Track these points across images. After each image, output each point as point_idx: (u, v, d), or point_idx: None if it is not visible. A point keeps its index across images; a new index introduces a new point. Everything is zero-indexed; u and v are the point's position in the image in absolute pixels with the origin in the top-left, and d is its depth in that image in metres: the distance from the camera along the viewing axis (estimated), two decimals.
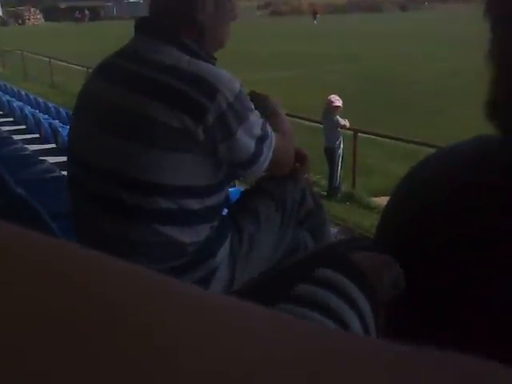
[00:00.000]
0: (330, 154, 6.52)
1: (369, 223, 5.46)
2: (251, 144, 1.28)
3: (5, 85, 12.23)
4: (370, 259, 0.45)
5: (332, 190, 6.46)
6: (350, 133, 6.58)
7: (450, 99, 11.65)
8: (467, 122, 9.03)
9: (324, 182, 6.71)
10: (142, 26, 1.35)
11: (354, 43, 24.91)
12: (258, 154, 1.30)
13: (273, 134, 1.35)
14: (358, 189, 6.42)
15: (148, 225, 1.26)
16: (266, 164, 1.33)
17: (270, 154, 1.33)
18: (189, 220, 1.29)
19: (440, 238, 0.50)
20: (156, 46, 1.29)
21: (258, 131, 1.30)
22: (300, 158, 1.52)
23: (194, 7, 1.30)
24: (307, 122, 8.31)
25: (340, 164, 6.52)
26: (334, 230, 3.77)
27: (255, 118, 1.30)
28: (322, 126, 6.77)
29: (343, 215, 5.59)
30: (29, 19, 65.77)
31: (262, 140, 1.30)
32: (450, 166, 0.54)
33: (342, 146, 6.54)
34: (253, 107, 1.31)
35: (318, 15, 47.98)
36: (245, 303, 0.15)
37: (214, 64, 1.35)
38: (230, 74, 1.29)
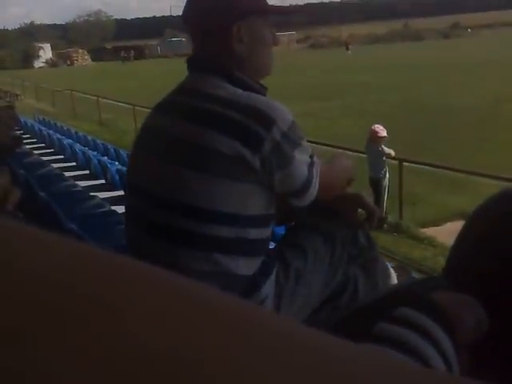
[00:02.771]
0: (376, 184, 6.45)
1: (418, 255, 5.35)
2: (304, 171, 1.31)
3: (55, 123, 12.68)
4: (452, 299, 0.44)
5: (378, 221, 6.36)
6: (395, 162, 6.52)
7: (496, 126, 11.43)
8: None
9: None
10: (192, 63, 1.41)
11: (395, 72, 24.85)
12: (310, 179, 1.33)
13: (317, 159, 1.38)
14: (406, 219, 6.31)
15: (205, 253, 1.28)
16: (316, 190, 1.35)
17: (318, 179, 1.35)
18: (245, 250, 1.30)
19: None
20: (209, 81, 1.33)
21: (308, 157, 1.33)
22: (370, 214, 1.51)
23: (230, 38, 1.33)
24: (349, 152, 8.28)
25: (386, 194, 6.45)
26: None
27: (306, 145, 1.34)
28: (364, 155, 6.72)
29: (391, 246, 5.50)
30: (77, 60, 68.38)
31: (311, 165, 1.33)
32: None
33: (387, 175, 6.47)
34: (303, 136, 1.34)
35: (350, 46, 49.43)
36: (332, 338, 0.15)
37: (265, 92, 1.39)
38: (283, 106, 1.32)
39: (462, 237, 0.59)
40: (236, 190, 1.26)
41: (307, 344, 0.15)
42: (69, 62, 67.07)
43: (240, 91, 1.31)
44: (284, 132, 1.26)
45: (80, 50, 72.43)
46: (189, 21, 1.40)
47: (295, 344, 0.15)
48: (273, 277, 1.37)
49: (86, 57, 70.43)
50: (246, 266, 1.31)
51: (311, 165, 1.33)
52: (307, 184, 1.33)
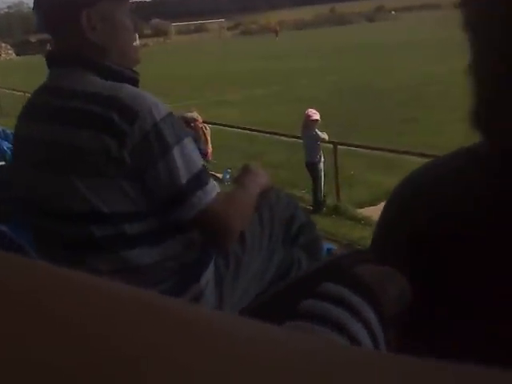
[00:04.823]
0: (312, 168, 6.55)
1: (357, 234, 5.49)
2: (179, 176, 1.21)
3: None
4: (374, 272, 0.44)
5: (317, 204, 6.49)
6: (330, 146, 6.63)
7: (425, 106, 11.80)
8: (444, 127, 9.20)
9: (308, 197, 6.74)
10: (51, 59, 1.35)
11: (324, 57, 25.17)
12: (186, 191, 1.22)
13: (215, 185, 1.28)
14: (343, 201, 6.45)
15: (110, 253, 1.24)
16: (197, 209, 1.23)
17: (206, 202, 1.23)
18: (146, 241, 1.26)
19: (453, 244, 0.51)
20: (72, 75, 1.29)
21: (192, 168, 1.23)
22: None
23: (82, 27, 1.27)
24: (285, 138, 8.35)
25: (323, 178, 6.56)
26: (327, 244, 3.80)
27: (188, 150, 1.24)
28: (301, 141, 6.81)
29: (330, 228, 5.61)
30: (0, 55, 65.42)
31: (197, 181, 1.23)
32: (454, 170, 0.55)
33: (322, 159, 6.58)
34: (185, 135, 1.26)
35: (279, 32, 51.53)
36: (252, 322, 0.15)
37: (137, 79, 1.33)
38: (154, 98, 1.24)
39: (383, 213, 0.62)
40: (109, 188, 1.20)
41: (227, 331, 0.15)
42: None
43: (105, 83, 1.25)
44: (151, 126, 1.19)
45: (3, 45, 69.29)
46: (40, 11, 1.33)
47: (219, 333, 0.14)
48: (211, 267, 1.35)
49: (9, 51, 67.46)
50: (152, 256, 1.27)
51: (197, 179, 1.23)
52: (181, 194, 1.22)
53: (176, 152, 1.21)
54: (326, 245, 3.65)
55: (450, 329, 0.51)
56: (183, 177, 1.21)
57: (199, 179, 1.23)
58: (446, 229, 0.52)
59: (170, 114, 1.23)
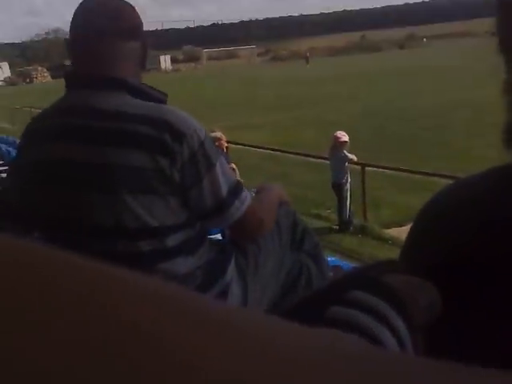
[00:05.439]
0: (338, 189, 6.56)
1: (383, 254, 5.44)
2: (221, 190, 1.32)
3: (14, 141, 12.44)
4: (403, 281, 0.43)
5: (343, 224, 6.47)
6: (357, 168, 6.63)
7: (454, 132, 11.72)
8: (473, 152, 9.11)
9: (334, 217, 6.72)
10: (75, 80, 1.37)
11: (354, 83, 25.26)
12: (227, 203, 1.33)
13: (248, 193, 1.39)
14: (370, 221, 6.41)
15: (149, 267, 1.28)
16: (235, 218, 1.35)
17: (243, 210, 1.35)
18: (183, 251, 1.33)
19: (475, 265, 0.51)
20: (102, 95, 1.31)
21: (230, 181, 1.34)
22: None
23: (110, 52, 1.33)
24: (312, 159, 8.37)
25: (349, 198, 6.55)
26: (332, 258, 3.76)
27: (225, 166, 1.35)
28: (327, 161, 6.83)
29: (357, 248, 5.58)
30: (36, 78, 67.36)
31: (234, 192, 1.34)
32: (475, 196, 0.55)
33: (349, 180, 6.58)
34: (219, 152, 1.39)
35: (309, 59, 51.67)
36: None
37: (165, 100, 1.38)
38: (193, 119, 1.32)
39: (408, 234, 0.62)
40: (157, 203, 1.26)
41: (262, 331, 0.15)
42: (28, 80, 66.03)
43: (143, 103, 1.30)
44: (198, 146, 1.27)
45: (39, 68, 71.42)
46: (73, 33, 1.36)
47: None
48: (233, 262, 1.42)
49: (45, 74, 69.42)
50: (187, 264, 1.33)
51: (233, 192, 1.34)
52: (222, 205, 1.33)
53: (218, 168, 1.31)
54: (331, 259, 3.63)
55: (480, 343, 0.51)
56: (224, 190, 1.32)
57: (236, 190, 1.35)
58: (474, 254, 0.52)
59: (208, 134, 1.35)
